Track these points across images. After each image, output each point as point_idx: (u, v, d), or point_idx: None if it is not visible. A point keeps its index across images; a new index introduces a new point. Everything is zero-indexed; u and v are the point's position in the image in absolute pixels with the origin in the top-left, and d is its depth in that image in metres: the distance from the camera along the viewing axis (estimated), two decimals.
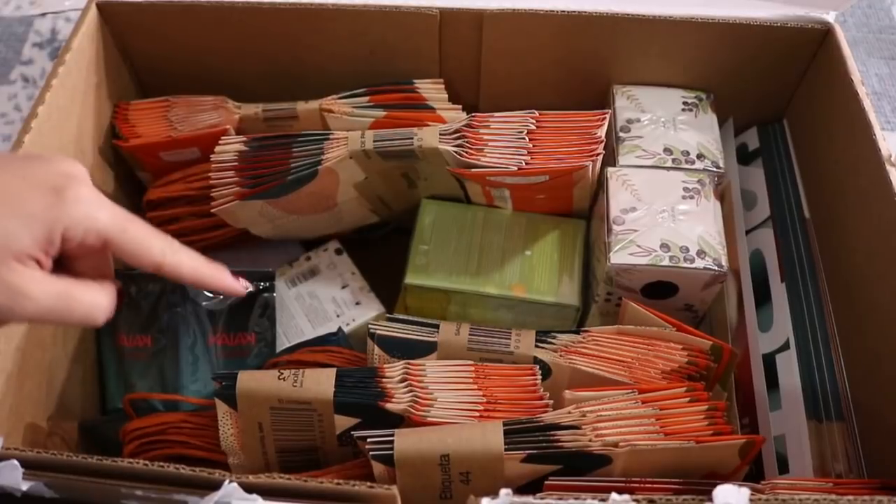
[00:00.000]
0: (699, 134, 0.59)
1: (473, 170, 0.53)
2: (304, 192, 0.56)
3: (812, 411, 0.51)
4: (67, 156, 0.56)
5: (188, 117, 0.61)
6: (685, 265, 0.52)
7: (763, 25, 0.58)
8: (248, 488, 0.36)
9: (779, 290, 0.57)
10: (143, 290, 0.58)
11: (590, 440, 0.43)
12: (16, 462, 0.38)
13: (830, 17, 0.58)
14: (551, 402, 0.48)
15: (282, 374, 0.48)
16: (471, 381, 0.48)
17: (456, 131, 0.54)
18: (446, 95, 0.61)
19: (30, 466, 0.38)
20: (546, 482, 0.43)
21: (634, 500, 0.35)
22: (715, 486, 0.36)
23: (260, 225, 0.59)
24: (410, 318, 0.53)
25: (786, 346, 0.54)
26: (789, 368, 0.53)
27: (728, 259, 0.53)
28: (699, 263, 0.52)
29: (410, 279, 0.56)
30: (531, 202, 0.58)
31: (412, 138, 0.54)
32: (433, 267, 0.57)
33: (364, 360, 0.52)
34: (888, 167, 0.49)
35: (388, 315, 0.53)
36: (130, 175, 0.65)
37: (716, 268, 0.52)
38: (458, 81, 0.64)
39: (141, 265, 0.39)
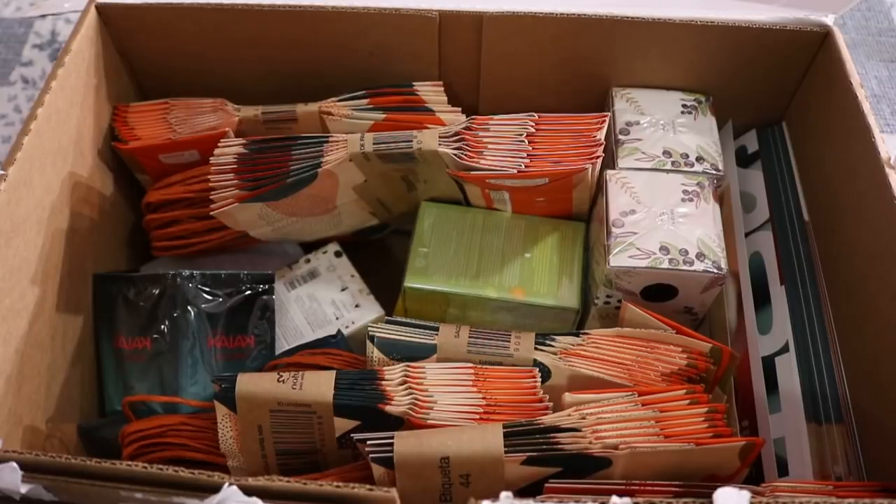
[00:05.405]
0: (698, 136, 0.59)
1: (473, 172, 0.53)
2: (304, 195, 0.56)
3: (812, 414, 0.51)
4: (66, 158, 0.56)
5: (187, 119, 0.61)
6: (684, 268, 0.52)
7: (762, 28, 0.58)
8: (248, 491, 0.36)
9: (778, 293, 0.57)
10: (142, 292, 0.58)
11: (590, 442, 0.43)
12: (15, 465, 0.38)
13: (829, 19, 0.58)
14: (551, 404, 0.48)
15: (281, 376, 0.48)
16: (470, 383, 0.48)
17: (455, 134, 0.54)
18: (446, 98, 0.61)
19: (29, 469, 0.38)
20: (546, 485, 0.43)
21: (635, 503, 0.35)
22: (715, 488, 0.36)
23: (259, 227, 0.59)
24: (410, 320, 0.53)
25: (785, 349, 0.54)
26: (789, 371, 0.53)
27: (727, 261, 0.53)
28: (698, 266, 0.52)
29: (410, 282, 0.56)
30: (531, 205, 0.58)
31: (412, 141, 0.54)
32: (432, 269, 0.57)
33: (363, 363, 0.52)
34: (887, 170, 0.49)
35: (387, 317, 0.53)
36: (130, 177, 0.65)
37: (715, 270, 0.52)
38: (458, 84, 0.64)
39: None
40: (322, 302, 0.61)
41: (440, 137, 0.54)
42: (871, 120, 0.52)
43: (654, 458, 0.43)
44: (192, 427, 0.51)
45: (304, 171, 0.54)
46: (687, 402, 0.46)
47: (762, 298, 0.58)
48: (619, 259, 0.52)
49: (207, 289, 0.59)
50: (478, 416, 0.47)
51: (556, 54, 0.62)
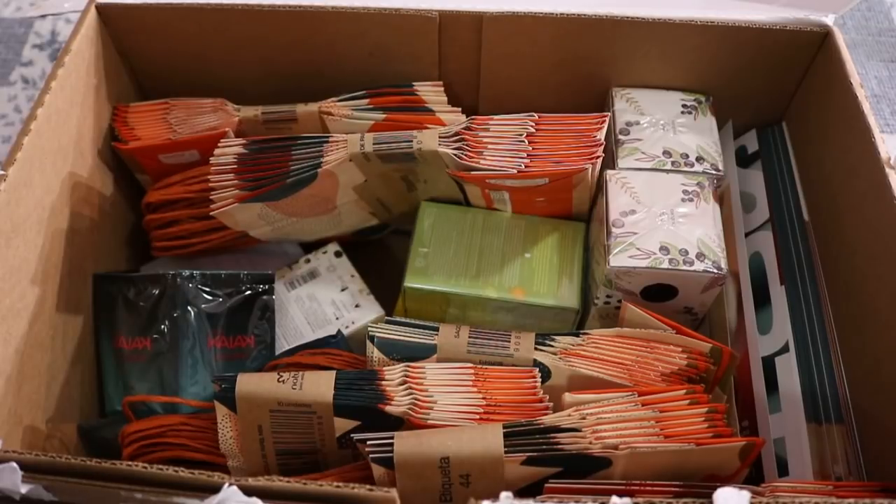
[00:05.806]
0: (698, 136, 0.59)
1: (473, 172, 0.53)
2: (304, 195, 0.56)
3: (812, 414, 0.51)
4: (66, 158, 0.56)
5: (187, 120, 0.61)
6: (684, 268, 0.52)
7: (762, 28, 0.58)
8: (248, 491, 0.36)
9: (778, 293, 0.57)
10: (142, 292, 0.58)
11: (590, 442, 0.43)
12: (15, 465, 0.38)
13: (829, 19, 0.58)
14: (551, 404, 0.48)
15: (281, 376, 0.48)
16: (470, 383, 0.48)
17: (455, 134, 0.54)
18: (446, 98, 0.61)
19: (29, 469, 0.38)
20: (546, 485, 0.43)
21: (635, 503, 0.35)
22: (715, 488, 0.36)
23: (259, 227, 0.59)
24: (410, 320, 0.53)
25: (785, 349, 0.54)
26: (789, 371, 0.53)
27: (727, 261, 0.53)
28: (698, 266, 0.52)
29: (410, 282, 0.56)
30: (531, 205, 0.58)
31: (412, 141, 0.54)
32: (432, 269, 0.57)
33: (363, 363, 0.52)
34: (887, 170, 0.49)
35: (387, 317, 0.53)
36: (130, 177, 0.65)
37: (715, 270, 0.52)
38: (458, 84, 0.64)
39: None
40: (322, 302, 0.61)
41: (440, 137, 0.54)
42: (871, 120, 0.52)
43: (654, 458, 0.43)
44: (192, 427, 0.51)
45: (304, 171, 0.54)
46: (687, 402, 0.46)
47: (762, 298, 0.58)
48: (619, 259, 0.52)
49: (207, 289, 0.59)
50: (478, 417, 0.47)
51: (556, 54, 0.62)
